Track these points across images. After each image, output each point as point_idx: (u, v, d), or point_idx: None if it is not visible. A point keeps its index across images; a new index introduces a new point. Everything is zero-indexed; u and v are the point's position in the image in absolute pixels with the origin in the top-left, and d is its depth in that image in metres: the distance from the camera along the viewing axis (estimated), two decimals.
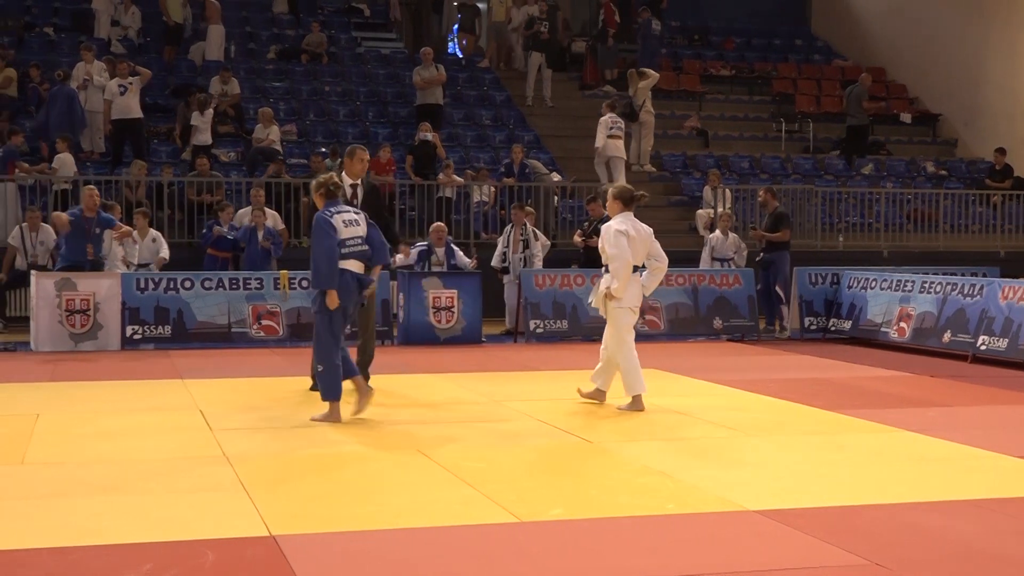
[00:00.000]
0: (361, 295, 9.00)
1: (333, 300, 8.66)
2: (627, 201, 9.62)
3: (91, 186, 14.25)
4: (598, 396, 9.71)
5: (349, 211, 8.99)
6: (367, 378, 10.46)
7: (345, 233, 8.81)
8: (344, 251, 8.76)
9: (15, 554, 5.32)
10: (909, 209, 20.62)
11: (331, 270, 8.66)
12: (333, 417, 8.80)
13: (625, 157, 19.80)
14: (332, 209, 8.85)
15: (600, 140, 19.41)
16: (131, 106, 18.39)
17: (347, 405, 9.09)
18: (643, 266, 9.63)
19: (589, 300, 10.03)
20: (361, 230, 8.92)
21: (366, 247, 8.94)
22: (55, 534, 5.65)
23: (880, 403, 10.03)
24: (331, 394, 8.82)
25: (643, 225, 9.63)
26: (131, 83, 18.34)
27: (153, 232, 15.41)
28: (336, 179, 9.14)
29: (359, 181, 10.37)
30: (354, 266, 8.87)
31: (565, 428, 8.60)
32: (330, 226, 8.72)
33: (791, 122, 23.84)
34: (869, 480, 7.05)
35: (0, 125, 18.85)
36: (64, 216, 13.60)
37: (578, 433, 8.39)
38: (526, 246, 15.61)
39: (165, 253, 15.17)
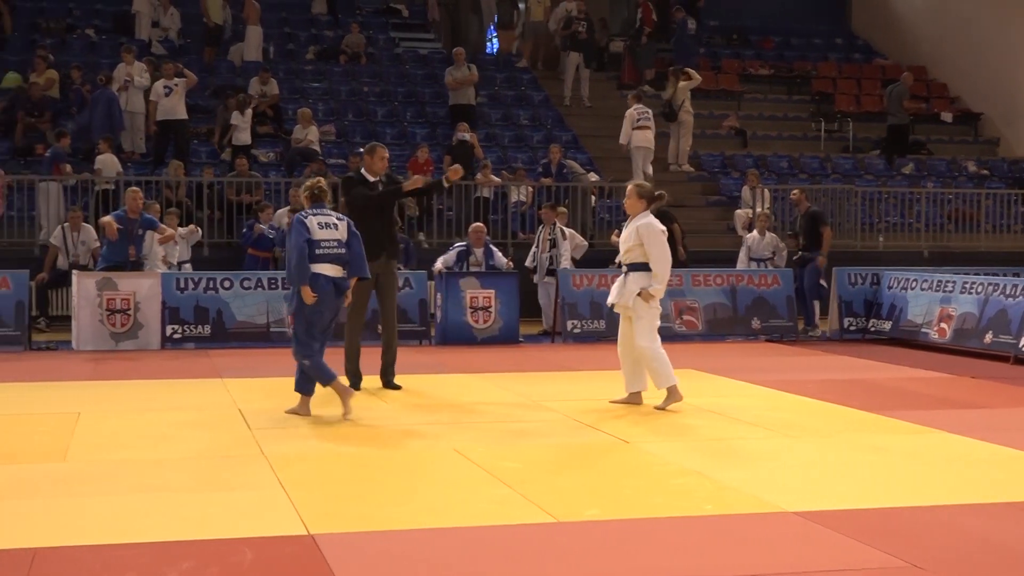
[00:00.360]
0: (339, 300, 9.02)
1: (307, 295, 8.79)
2: (651, 200, 9.60)
3: (135, 188, 14.38)
4: (635, 400, 9.66)
5: (330, 215, 9.06)
6: (392, 375, 10.52)
7: (319, 235, 8.91)
8: (317, 252, 8.87)
9: (57, 551, 5.38)
10: (950, 209, 20.45)
11: (300, 267, 8.81)
12: (345, 393, 9.01)
13: (653, 147, 19.83)
14: (311, 211, 9.00)
15: (624, 136, 19.52)
16: (176, 107, 18.51)
17: (375, 407, 9.11)
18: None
19: (611, 300, 9.74)
20: (339, 234, 8.98)
21: (343, 251, 8.99)
22: (96, 532, 5.71)
23: (920, 404, 9.96)
24: (326, 378, 9.00)
25: None
26: (176, 84, 18.48)
27: (183, 230, 15.62)
28: (323, 184, 9.19)
29: (380, 178, 10.41)
30: (328, 270, 8.92)
31: (601, 428, 8.59)
32: (302, 226, 8.87)
33: (831, 122, 23.69)
34: (908, 481, 7.01)
35: (42, 126, 19.07)
36: (114, 224, 13.74)
37: (614, 433, 8.38)
38: (553, 245, 15.60)
39: (197, 235, 15.85)
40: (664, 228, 9.54)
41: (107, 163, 17.29)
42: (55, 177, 16.99)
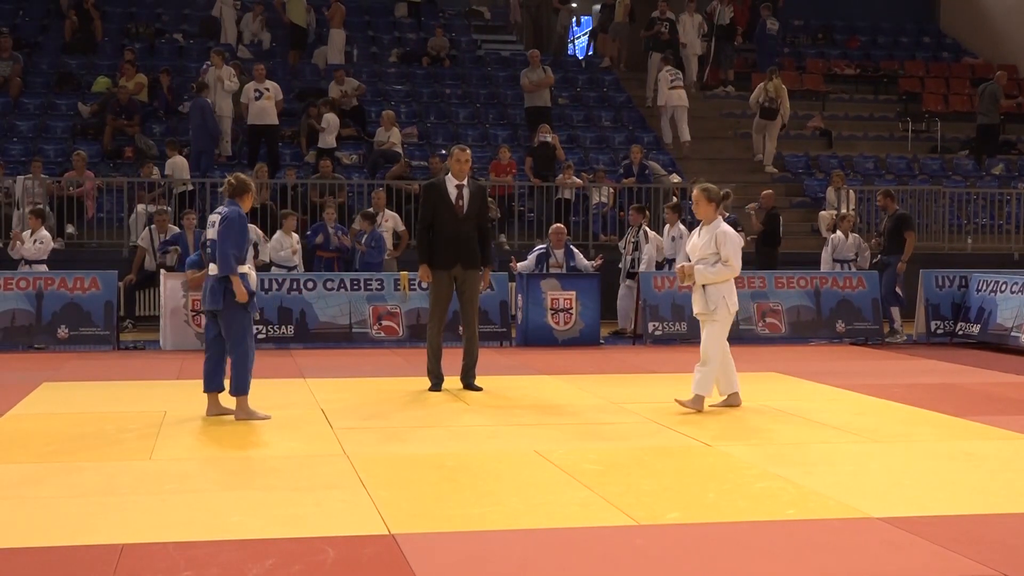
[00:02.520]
0: (210, 299, 8.89)
1: None
2: (720, 202, 9.41)
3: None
4: (734, 400, 9.56)
5: (216, 212, 9.00)
6: (473, 377, 10.52)
7: (208, 234, 9.02)
8: (207, 251, 9.04)
9: (143, 547, 5.45)
10: None
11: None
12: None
13: (688, 106, 20.90)
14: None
15: (662, 97, 20.97)
16: (267, 111, 18.72)
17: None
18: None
19: (697, 311, 9.54)
20: (213, 232, 8.91)
21: (212, 250, 8.91)
22: (181, 529, 5.78)
23: (1010, 410, 9.75)
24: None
25: None
26: (268, 89, 18.70)
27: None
28: (230, 179, 9.04)
29: (464, 182, 10.39)
30: (212, 269, 8.90)
31: (683, 431, 8.53)
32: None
33: (918, 122, 23.31)
34: (999, 488, 6.85)
35: (131, 129, 19.40)
36: (196, 277, 13.96)
37: (696, 437, 8.32)
38: (636, 247, 15.54)
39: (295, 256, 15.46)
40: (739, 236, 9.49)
41: (176, 166, 17.59)
42: (140, 179, 17.30)
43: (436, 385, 10.47)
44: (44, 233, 14.90)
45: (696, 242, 9.48)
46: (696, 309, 9.54)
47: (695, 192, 9.53)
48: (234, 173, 9.26)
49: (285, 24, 22.48)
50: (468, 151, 10.60)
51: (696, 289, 9.44)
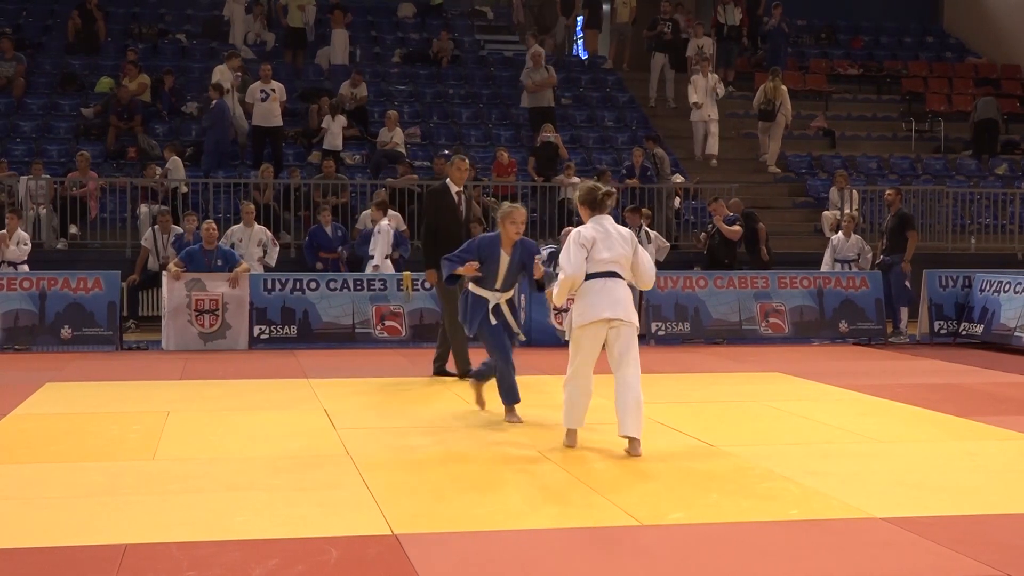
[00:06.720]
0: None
1: None
2: (593, 204, 7.88)
3: (209, 220, 14.61)
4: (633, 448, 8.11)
5: None
6: (443, 363, 11.16)
7: None
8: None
9: (147, 547, 5.46)
10: None
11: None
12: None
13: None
14: None
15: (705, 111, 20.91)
16: (273, 112, 18.71)
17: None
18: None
19: (566, 329, 8.12)
20: None
21: None
22: (185, 529, 5.78)
23: (1014, 410, 9.74)
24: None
25: (623, 229, 8.00)
26: (273, 90, 18.70)
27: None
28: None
29: (462, 188, 10.87)
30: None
31: (686, 431, 8.53)
32: None
33: (921, 121, 23.29)
34: (1002, 489, 6.85)
35: (134, 129, 19.40)
36: (178, 272, 13.75)
37: (700, 437, 8.31)
38: None
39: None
40: (592, 236, 7.79)
41: (176, 167, 17.61)
42: (144, 180, 17.30)
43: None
44: (23, 234, 14.85)
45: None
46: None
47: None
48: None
49: (282, 24, 22.48)
50: (467, 160, 11.22)
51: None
